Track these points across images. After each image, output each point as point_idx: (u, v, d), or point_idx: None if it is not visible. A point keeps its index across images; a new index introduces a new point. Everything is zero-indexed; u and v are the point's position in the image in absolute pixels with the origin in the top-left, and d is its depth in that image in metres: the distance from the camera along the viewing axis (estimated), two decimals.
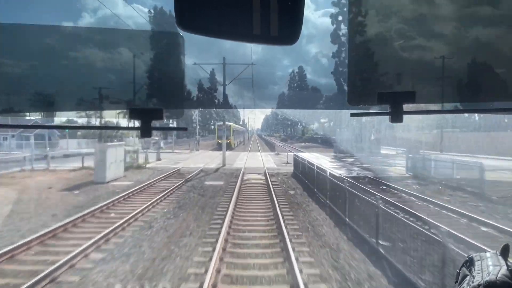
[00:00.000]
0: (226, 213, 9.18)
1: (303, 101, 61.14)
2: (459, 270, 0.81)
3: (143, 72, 1.18)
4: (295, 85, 60.46)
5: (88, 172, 16.30)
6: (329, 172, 10.99)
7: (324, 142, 41.35)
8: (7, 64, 1.10)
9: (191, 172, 17.46)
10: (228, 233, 7.67)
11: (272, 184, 13.77)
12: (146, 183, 13.70)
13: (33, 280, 5.06)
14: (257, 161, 24.14)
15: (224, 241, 7.09)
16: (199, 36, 0.81)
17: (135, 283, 5.28)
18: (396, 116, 0.98)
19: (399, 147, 26.42)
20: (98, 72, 1.17)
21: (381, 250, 6.09)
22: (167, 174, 16.54)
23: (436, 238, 4.62)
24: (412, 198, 11.28)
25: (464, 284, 0.75)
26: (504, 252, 0.77)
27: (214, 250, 6.41)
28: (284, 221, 8.38)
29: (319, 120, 50.51)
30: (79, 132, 32.50)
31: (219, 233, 7.42)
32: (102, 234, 7.29)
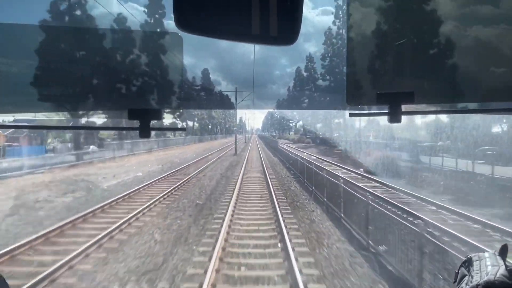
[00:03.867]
0: None
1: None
2: (458, 270, 0.81)
3: (142, 72, 1.18)
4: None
5: None
6: None
7: None
8: (7, 64, 1.10)
9: None
10: None
11: None
12: None
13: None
14: None
15: None
16: (197, 35, 0.81)
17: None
18: (395, 116, 0.98)
19: None
20: (97, 72, 1.17)
21: None
22: None
23: None
24: None
25: (463, 284, 0.75)
26: (503, 252, 0.78)
27: None
28: None
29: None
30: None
31: None
32: None
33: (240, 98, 29.82)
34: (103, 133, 29.64)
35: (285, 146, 34.52)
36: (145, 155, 27.06)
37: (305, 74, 42.65)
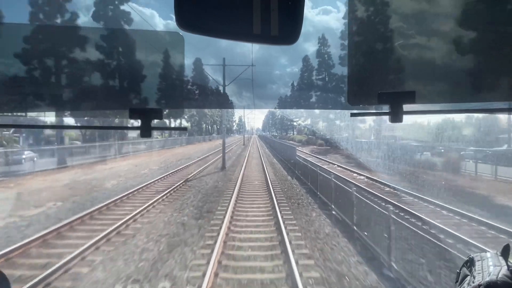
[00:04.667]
0: None
1: None
2: (460, 270, 0.80)
3: (143, 72, 1.18)
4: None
5: None
6: None
7: None
8: (7, 64, 1.10)
9: None
10: None
11: None
12: None
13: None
14: None
15: None
16: (198, 35, 0.80)
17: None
18: (396, 116, 0.98)
19: None
20: (98, 72, 1.17)
21: None
22: None
23: None
24: None
25: (465, 284, 0.75)
26: (505, 253, 0.77)
27: None
28: None
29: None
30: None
31: None
32: None
33: (233, 77, 20.99)
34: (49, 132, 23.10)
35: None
36: (77, 169, 17.31)
37: (315, 61, 38.45)
